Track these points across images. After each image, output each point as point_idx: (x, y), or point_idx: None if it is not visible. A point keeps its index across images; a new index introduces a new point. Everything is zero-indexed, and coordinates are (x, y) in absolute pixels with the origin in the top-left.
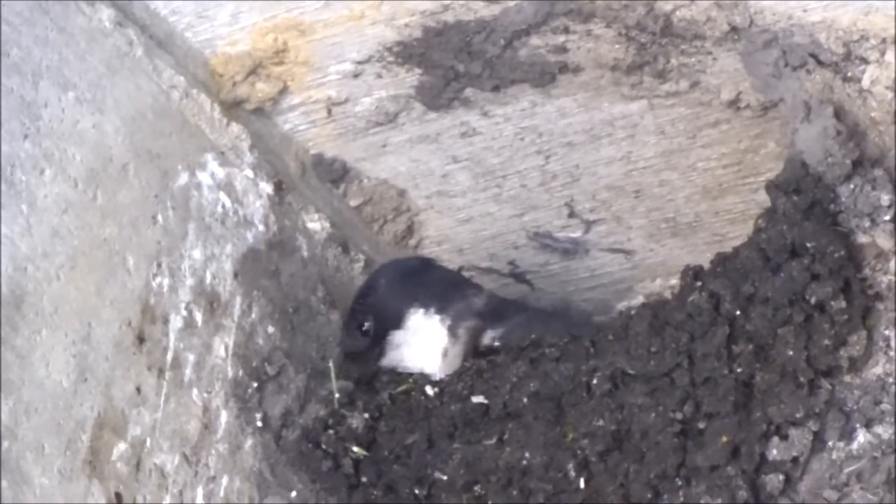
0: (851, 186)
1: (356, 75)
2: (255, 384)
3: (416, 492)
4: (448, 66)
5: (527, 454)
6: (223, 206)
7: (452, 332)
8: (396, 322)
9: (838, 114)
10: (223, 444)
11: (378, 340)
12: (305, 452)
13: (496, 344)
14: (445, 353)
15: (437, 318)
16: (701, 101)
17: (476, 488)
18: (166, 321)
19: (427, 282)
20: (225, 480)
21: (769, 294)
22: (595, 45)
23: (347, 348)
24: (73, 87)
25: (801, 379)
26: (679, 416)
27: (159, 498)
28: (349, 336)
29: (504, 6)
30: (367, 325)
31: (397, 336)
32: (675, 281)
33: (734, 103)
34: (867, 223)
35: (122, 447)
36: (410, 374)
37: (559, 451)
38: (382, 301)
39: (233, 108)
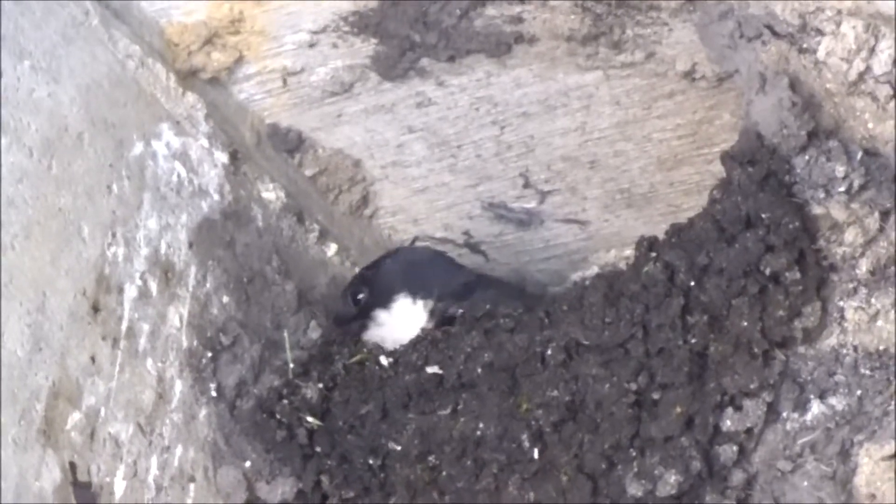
0: (806, 158)
1: (312, 45)
2: (210, 354)
3: (371, 462)
4: (404, 36)
5: (481, 425)
6: (178, 176)
7: (432, 314)
8: (385, 302)
9: (794, 85)
10: (177, 413)
11: (365, 313)
12: (260, 422)
13: (458, 312)
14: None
15: (420, 303)
16: (656, 72)
17: (430, 458)
18: (121, 291)
19: (425, 272)
20: (179, 450)
21: (724, 265)
22: (551, 15)
23: (338, 311)
24: (28, 56)
25: (756, 350)
26: (633, 386)
27: (113, 467)
28: (343, 300)
29: None
30: (361, 295)
31: (382, 315)
32: (629, 252)
33: (689, 74)
34: (822, 194)
35: (76, 417)
36: (365, 344)
37: (513, 422)
38: (380, 279)
39: (188, 77)
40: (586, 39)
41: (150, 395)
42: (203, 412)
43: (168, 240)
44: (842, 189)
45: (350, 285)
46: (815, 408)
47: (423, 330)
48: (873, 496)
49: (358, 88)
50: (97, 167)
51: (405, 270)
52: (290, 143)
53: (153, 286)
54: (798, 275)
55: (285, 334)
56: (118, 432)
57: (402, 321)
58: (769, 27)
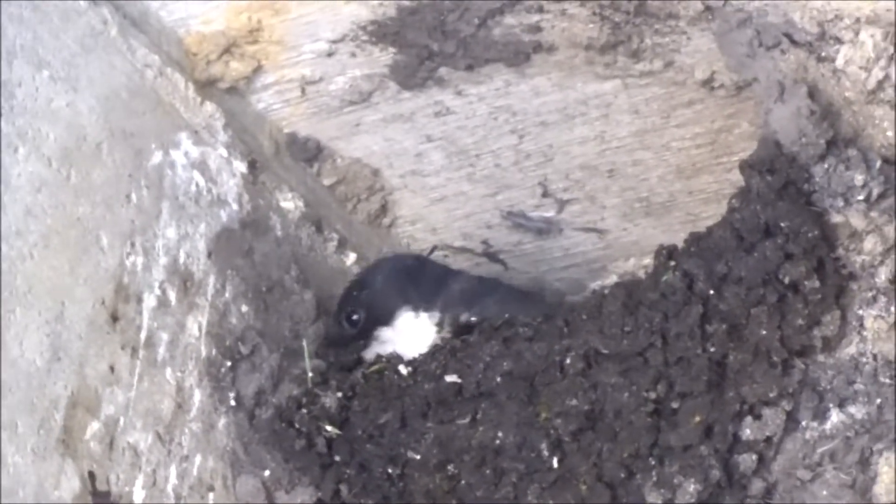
0: (825, 166)
1: (330, 54)
2: (229, 363)
3: (390, 471)
4: (422, 45)
5: (500, 433)
6: (197, 185)
7: (440, 325)
8: (386, 319)
9: (812, 94)
10: (196, 423)
11: (365, 333)
12: (279, 431)
13: (472, 320)
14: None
15: (425, 315)
16: (675, 80)
17: (449, 467)
18: (140, 300)
19: (419, 281)
20: (198, 459)
21: (743, 274)
22: (569, 24)
23: (332, 335)
24: (47, 66)
25: (775, 358)
26: (652, 395)
27: (132, 477)
28: (336, 324)
29: None
30: (356, 316)
31: (385, 332)
32: (648, 260)
33: (708, 83)
34: (841, 203)
35: (95, 426)
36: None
37: (532, 431)
38: (375, 297)
39: (207, 86)
40: (605, 48)
41: (169, 405)
42: (222, 421)
43: (187, 249)
44: (861, 197)
45: (341, 308)
46: (835, 416)
47: (442, 340)
48: None
49: (376, 97)
50: (116, 177)
51: (399, 283)
52: (309, 153)
53: (172, 295)
54: (817, 283)
55: (304, 343)
56: (137, 441)
57: (407, 336)
58: (788, 35)
